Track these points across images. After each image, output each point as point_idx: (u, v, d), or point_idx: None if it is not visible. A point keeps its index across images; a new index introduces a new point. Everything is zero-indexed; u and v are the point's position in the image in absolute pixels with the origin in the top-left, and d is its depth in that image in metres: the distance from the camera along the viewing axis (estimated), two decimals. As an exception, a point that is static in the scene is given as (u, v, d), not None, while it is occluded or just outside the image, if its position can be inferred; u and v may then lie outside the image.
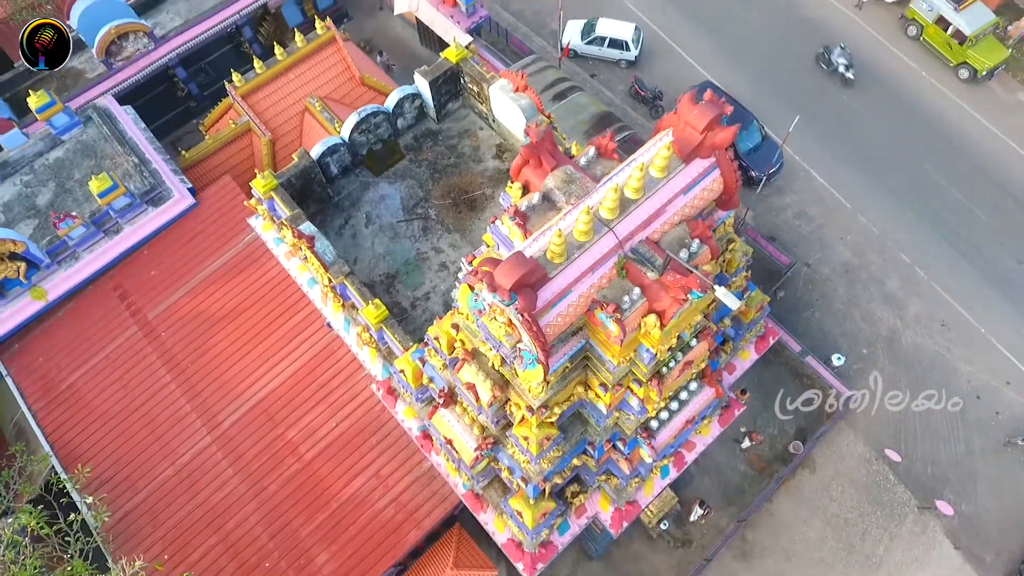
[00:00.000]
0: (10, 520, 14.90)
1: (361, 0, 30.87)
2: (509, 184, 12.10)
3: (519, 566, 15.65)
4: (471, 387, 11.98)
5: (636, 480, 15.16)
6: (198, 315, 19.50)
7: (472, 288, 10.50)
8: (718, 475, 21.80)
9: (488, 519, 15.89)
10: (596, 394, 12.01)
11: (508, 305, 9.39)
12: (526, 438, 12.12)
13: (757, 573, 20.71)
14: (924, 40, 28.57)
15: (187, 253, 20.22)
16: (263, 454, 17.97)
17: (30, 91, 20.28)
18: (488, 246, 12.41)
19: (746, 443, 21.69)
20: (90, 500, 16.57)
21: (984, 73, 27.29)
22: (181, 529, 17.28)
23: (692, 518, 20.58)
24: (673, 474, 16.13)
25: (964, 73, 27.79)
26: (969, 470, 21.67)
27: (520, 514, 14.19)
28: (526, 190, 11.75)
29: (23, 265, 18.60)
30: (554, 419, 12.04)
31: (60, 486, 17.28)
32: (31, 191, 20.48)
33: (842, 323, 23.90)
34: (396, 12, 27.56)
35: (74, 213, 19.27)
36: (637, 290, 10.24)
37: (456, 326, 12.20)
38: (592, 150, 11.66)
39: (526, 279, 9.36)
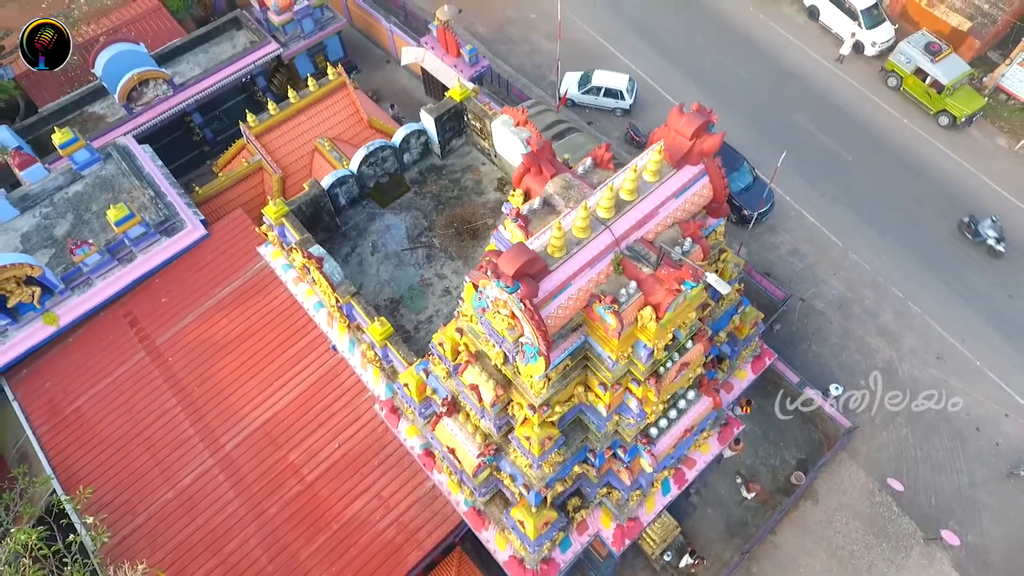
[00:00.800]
0: (12, 531, 14.87)
1: (369, 53, 32.70)
2: (511, 193, 12.78)
3: (521, 585, 15.51)
4: (474, 388, 12.31)
5: (637, 493, 15.22)
6: (205, 341, 19.91)
7: (476, 287, 11.01)
8: (720, 507, 21.67)
9: (490, 537, 15.85)
10: (596, 395, 12.33)
11: (511, 292, 9.87)
12: (528, 438, 12.36)
13: (763, 606, 20.36)
14: (904, 90, 30.11)
15: (197, 281, 20.81)
16: (264, 476, 18.02)
17: (56, 128, 21.29)
18: (491, 257, 12.97)
19: (744, 492, 21.60)
20: (90, 520, 16.50)
21: (963, 120, 28.62)
22: (180, 552, 17.17)
23: (681, 564, 20.27)
24: (674, 491, 16.18)
25: (944, 120, 29.15)
26: (973, 500, 21.56)
27: (522, 524, 14.21)
28: (527, 197, 12.43)
29: (38, 290, 19.15)
30: (555, 419, 12.33)
31: (60, 508, 17.25)
32: (49, 222, 21.23)
33: (838, 355, 24.25)
34: (403, 63, 29.13)
35: (91, 241, 19.93)
36: (633, 284, 10.76)
37: (460, 330, 12.65)
38: (589, 160, 12.41)
39: (528, 267, 9.90)
